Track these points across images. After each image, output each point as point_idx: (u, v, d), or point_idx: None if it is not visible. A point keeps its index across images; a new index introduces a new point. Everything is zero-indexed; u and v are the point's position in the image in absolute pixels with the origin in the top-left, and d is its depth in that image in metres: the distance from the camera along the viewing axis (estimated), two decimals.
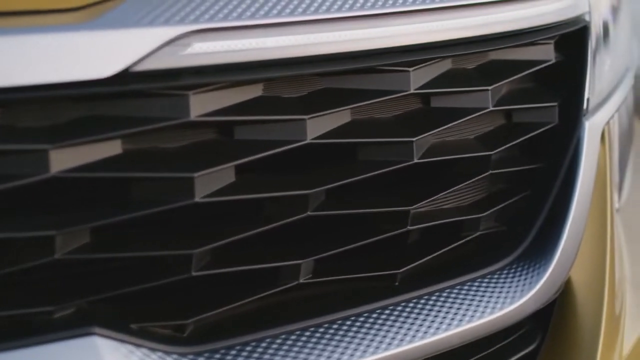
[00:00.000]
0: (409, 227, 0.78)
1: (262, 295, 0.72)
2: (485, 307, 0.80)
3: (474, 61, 0.85)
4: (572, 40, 0.91)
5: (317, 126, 0.72)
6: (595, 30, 0.96)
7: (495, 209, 0.86)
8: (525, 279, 0.83)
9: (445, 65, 0.81)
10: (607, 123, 1.02)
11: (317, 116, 0.72)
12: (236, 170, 0.70)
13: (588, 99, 0.90)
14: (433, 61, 0.79)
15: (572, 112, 0.89)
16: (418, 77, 0.77)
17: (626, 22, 1.24)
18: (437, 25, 0.76)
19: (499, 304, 0.80)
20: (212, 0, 0.67)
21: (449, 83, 0.80)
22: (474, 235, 0.84)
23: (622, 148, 1.19)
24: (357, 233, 0.76)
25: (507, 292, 0.82)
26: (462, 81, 0.82)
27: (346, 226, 0.77)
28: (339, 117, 0.74)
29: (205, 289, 0.71)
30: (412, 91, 0.76)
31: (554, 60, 0.89)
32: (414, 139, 0.76)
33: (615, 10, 1.17)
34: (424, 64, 0.78)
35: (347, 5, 0.71)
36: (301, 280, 0.74)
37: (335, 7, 0.71)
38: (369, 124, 0.76)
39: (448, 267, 0.82)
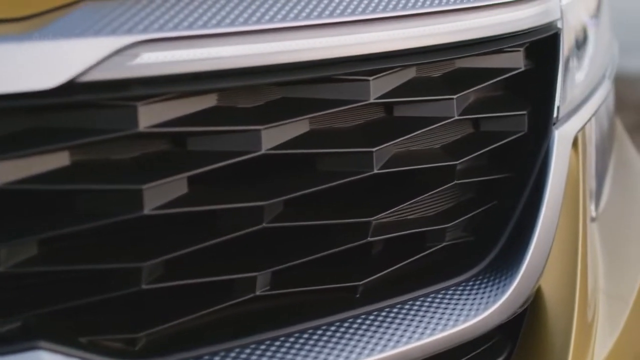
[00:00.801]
0: (370, 239, 0.77)
1: (215, 308, 0.71)
2: (448, 319, 0.78)
3: (440, 69, 0.83)
4: (543, 48, 0.90)
5: (273, 136, 0.71)
6: (568, 37, 0.94)
7: (462, 219, 0.85)
8: (491, 291, 0.82)
9: (409, 74, 0.80)
10: (581, 131, 1.00)
11: (273, 126, 0.70)
12: (189, 181, 0.69)
13: (558, 108, 0.89)
14: (395, 70, 0.78)
15: (542, 120, 0.88)
16: (379, 86, 0.76)
17: (606, 26, 1.23)
18: (398, 34, 0.75)
19: (462, 316, 0.79)
20: (163, 10, 0.66)
21: (412, 92, 0.79)
22: (439, 246, 0.83)
23: (600, 155, 1.17)
24: (317, 244, 0.75)
25: (472, 304, 0.80)
26: (427, 90, 0.81)
27: (306, 237, 0.76)
28: (297, 127, 0.73)
29: (159, 301, 0.70)
30: (371, 101, 0.75)
31: (523, 68, 0.88)
32: (373, 149, 0.75)
33: (593, 15, 1.16)
34: (385, 73, 0.77)
35: (304, 14, 0.70)
36: (257, 293, 0.73)
37: (292, 15, 0.70)
38: (328, 134, 0.75)
39: (413, 278, 0.81)
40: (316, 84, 0.73)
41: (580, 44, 1.01)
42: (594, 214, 1.06)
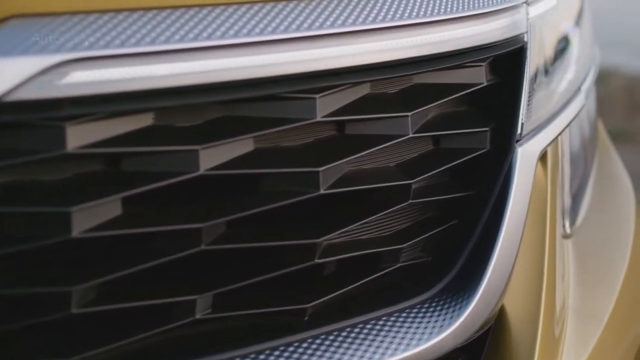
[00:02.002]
0: (317, 261, 0.75)
1: (153, 332, 0.69)
2: (399, 343, 0.76)
3: (397, 85, 0.81)
4: (508, 62, 0.87)
5: (213, 156, 0.69)
6: (537, 50, 0.92)
7: (419, 239, 0.82)
8: (446, 314, 0.79)
9: (362, 90, 0.78)
10: (552, 145, 0.98)
11: (212, 146, 0.68)
12: (125, 203, 0.67)
13: (523, 124, 0.86)
14: (346, 86, 0.75)
15: (505, 137, 0.85)
16: (326, 104, 0.74)
17: (587, 34, 1.20)
18: (348, 50, 0.73)
19: (414, 340, 0.77)
20: (94, 27, 0.64)
21: (364, 109, 0.77)
22: (394, 267, 0.81)
23: (578, 167, 1.15)
24: (263, 266, 0.73)
25: (425, 327, 0.78)
26: (380, 107, 0.78)
27: (252, 258, 0.74)
28: (240, 146, 0.71)
29: (95, 325, 0.68)
30: (318, 119, 0.73)
31: (485, 84, 0.85)
32: (319, 169, 0.73)
33: (575, 23, 1.13)
34: (335, 90, 0.75)
35: (244, 31, 0.68)
36: (197, 316, 0.71)
37: (231, 33, 0.68)
38: (274, 152, 0.73)
39: (366, 300, 0.79)
40: (261, 101, 0.71)
41: (552, 57, 0.98)
42: (568, 230, 1.04)
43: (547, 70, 0.96)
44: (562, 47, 1.03)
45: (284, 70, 0.70)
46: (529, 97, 0.88)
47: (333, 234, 0.75)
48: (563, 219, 1.03)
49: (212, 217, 0.69)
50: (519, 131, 0.86)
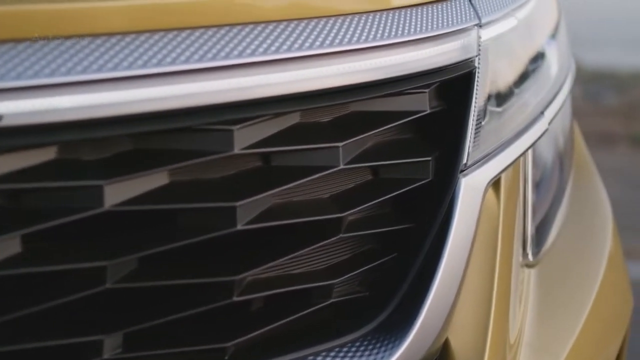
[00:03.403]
0: (235, 299, 0.72)
1: None
2: None
3: (331, 113, 0.78)
4: (456, 88, 0.84)
5: (120, 191, 0.66)
6: (490, 75, 0.88)
7: (354, 273, 0.79)
8: (378, 353, 0.76)
9: (291, 119, 0.75)
10: (511, 172, 0.94)
11: (118, 181, 0.66)
12: (26, 239, 0.64)
13: (469, 153, 0.83)
14: (270, 117, 0.72)
15: (448, 167, 0.82)
16: (247, 136, 0.71)
17: (561, 48, 1.16)
18: (269, 79, 0.70)
19: None
20: None
21: (293, 139, 0.74)
22: (325, 303, 0.78)
23: (548, 191, 1.11)
24: (178, 303, 0.71)
25: None
26: (311, 136, 0.75)
27: (168, 296, 0.71)
28: (151, 180, 0.68)
29: None
30: (235, 152, 0.70)
31: (428, 111, 0.82)
32: (236, 204, 0.70)
33: (542, 43, 1.09)
34: (258, 120, 0.72)
35: (154, 61, 0.65)
36: (106, 357, 0.68)
37: (140, 62, 0.65)
38: (190, 186, 0.70)
39: (294, 338, 0.76)
40: (174, 134, 0.68)
41: (510, 81, 0.94)
42: (531, 258, 1.00)
43: (503, 95, 0.92)
44: (524, 69, 0.99)
45: (198, 101, 0.67)
46: (477, 124, 0.84)
47: (254, 270, 0.72)
48: (525, 247, 0.99)
49: (119, 255, 0.66)
50: (464, 161, 0.82)
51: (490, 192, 0.89)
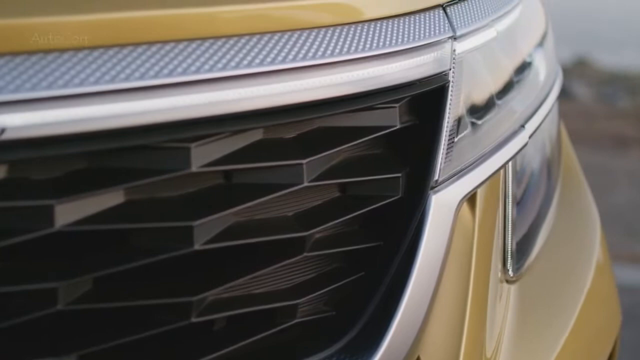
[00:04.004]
0: (194, 320, 0.70)
1: None
2: None
3: (296, 129, 0.76)
4: (428, 102, 0.82)
5: (73, 211, 0.65)
6: (466, 88, 0.86)
7: (320, 292, 0.77)
8: None
9: (253, 136, 0.73)
10: (491, 186, 0.92)
11: (71, 200, 0.64)
12: None
13: (441, 169, 0.81)
14: (231, 133, 0.71)
15: (418, 184, 0.80)
16: (205, 153, 0.69)
17: (548, 56, 1.14)
18: (228, 95, 0.68)
19: None
20: None
21: (253, 157, 0.72)
22: (290, 323, 0.76)
23: (533, 204, 1.09)
24: (134, 325, 0.69)
25: None
26: (275, 153, 0.73)
27: (124, 317, 0.69)
28: (106, 199, 0.67)
29: None
30: (193, 170, 0.68)
31: (398, 126, 0.80)
32: (193, 223, 0.68)
33: (527, 52, 1.07)
34: (218, 137, 0.70)
35: (107, 77, 0.64)
36: None
37: (92, 80, 0.63)
38: (147, 205, 0.69)
39: (260, 358, 0.74)
40: (130, 152, 0.67)
41: (489, 94, 0.92)
42: (511, 273, 0.98)
43: (481, 107, 0.90)
44: (506, 80, 0.97)
45: (153, 118, 0.66)
46: (450, 139, 0.82)
47: (213, 291, 0.71)
48: (505, 263, 0.97)
49: (71, 275, 0.65)
50: (435, 177, 0.80)
51: (466, 208, 0.87)
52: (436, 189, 0.80)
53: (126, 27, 0.66)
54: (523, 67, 1.07)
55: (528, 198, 1.08)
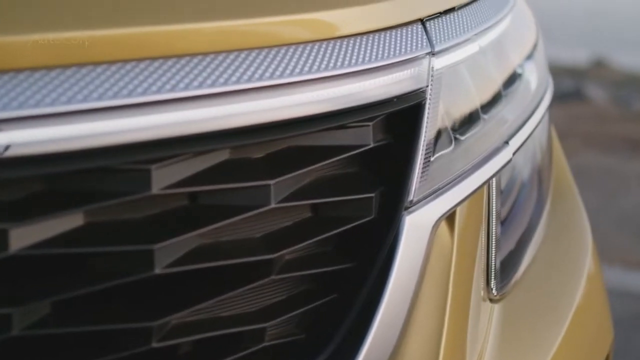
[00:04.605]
0: (154, 345, 0.68)
1: None
2: None
3: (264, 149, 0.74)
4: (404, 120, 0.80)
5: (31, 234, 0.63)
6: (445, 105, 0.84)
7: (290, 315, 0.76)
8: None
9: (219, 156, 0.72)
10: (474, 204, 0.90)
11: (27, 223, 0.63)
12: None
13: (415, 189, 0.79)
14: (190, 155, 0.69)
15: (392, 204, 0.78)
16: (168, 174, 0.68)
17: (539, 67, 1.12)
18: (188, 115, 0.67)
19: None
20: None
21: (220, 177, 0.71)
22: (258, 347, 0.74)
23: (520, 219, 1.07)
24: (93, 350, 0.68)
25: None
26: (242, 174, 0.72)
27: (83, 342, 0.68)
28: (66, 221, 0.65)
29: None
30: (154, 192, 0.67)
31: (372, 145, 0.78)
32: (154, 247, 0.67)
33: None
34: (181, 158, 0.69)
35: (63, 99, 0.62)
36: None
37: (48, 100, 0.62)
38: (109, 228, 0.67)
39: None
40: (91, 173, 0.65)
41: (471, 109, 0.90)
42: (495, 292, 0.96)
43: (462, 124, 0.88)
44: (492, 95, 0.95)
45: (113, 140, 0.64)
46: (426, 158, 0.80)
47: (174, 316, 0.69)
48: (489, 282, 0.95)
49: (27, 301, 0.64)
50: (410, 197, 0.79)
51: (444, 227, 0.86)
52: (411, 209, 0.79)
53: (84, 46, 0.64)
54: (512, 80, 1.05)
55: (516, 212, 1.06)
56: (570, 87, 6.83)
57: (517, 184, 1.09)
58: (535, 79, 1.13)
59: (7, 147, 0.61)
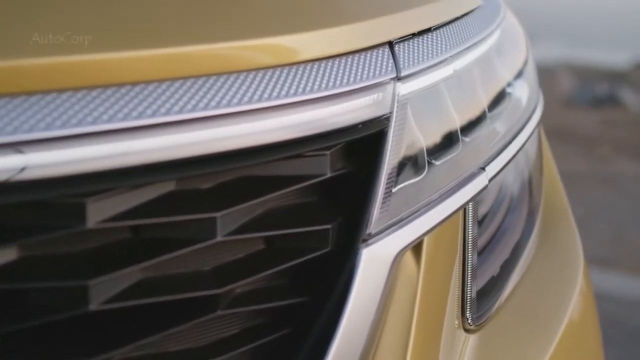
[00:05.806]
0: None
1: None
2: None
3: (213, 179, 0.72)
4: (366, 147, 0.77)
5: None
6: (411, 132, 0.81)
7: (240, 350, 0.73)
8: None
9: (163, 187, 0.69)
10: (449, 233, 0.87)
11: None
12: None
13: (374, 221, 0.76)
14: (127, 187, 0.67)
15: (349, 236, 0.75)
16: (105, 207, 0.66)
17: (530, 83, 1.09)
18: (126, 147, 0.65)
19: None
20: None
21: (163, 209, 0.68)
22: None
23: (505, 243, 1.03)
24: None
25: None
26: (188, 205, 0.70)
27: None
28: None
29: None
30: (89, 227, 0.65)
31: (329, 175, 0.76)
32: (89, 283, 0.64)
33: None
34: (120, 190, 0.66)
35: None
36: None
37: None
38: (44, 262, 0.65)
39: None
40: (23, 206, 0.64)
41: (444, 135, 0.87)
42: (470, 322, 0.93)
43: (439, 147, 0.85)
44: (475, 115, 0.92)
45: (47, 172, 0.62)
46: (388, 188, 0.78)
47: (111, 353, 0.67)
48: (464, 312, 0.92)
49: None
50: (368, 230, 0.76)
51: (410, 256, 0.83)
52: (369, 242, 0.76)
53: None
54: (499, 99, 1.01)
55: (501, 236, 1.03)
56: (604, 91, 6.73)
57: (504, 204, 1.06)
58: (526, 97, 1.09)
59: None
